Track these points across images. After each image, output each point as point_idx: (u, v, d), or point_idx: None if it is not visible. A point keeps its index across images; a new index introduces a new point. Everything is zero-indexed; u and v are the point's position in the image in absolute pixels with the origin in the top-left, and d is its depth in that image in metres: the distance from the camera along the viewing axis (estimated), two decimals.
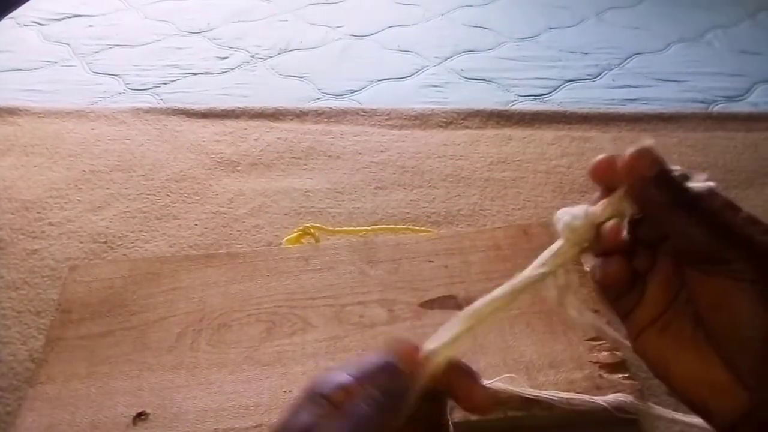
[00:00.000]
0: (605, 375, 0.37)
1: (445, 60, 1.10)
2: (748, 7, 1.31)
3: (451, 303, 0.42)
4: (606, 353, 0.38)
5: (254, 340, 0.41)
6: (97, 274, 0.48)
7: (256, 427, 0.36)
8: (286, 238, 0.63)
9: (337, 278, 0.45)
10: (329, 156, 0.81)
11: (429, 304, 0.42)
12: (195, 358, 0.40)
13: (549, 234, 0.44)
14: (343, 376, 0.27)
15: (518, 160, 0.81)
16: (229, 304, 0.44)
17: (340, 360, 0.38)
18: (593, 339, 0.39)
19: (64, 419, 0.37)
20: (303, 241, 0.63)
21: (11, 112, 0.89)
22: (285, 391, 0.38)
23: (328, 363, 0.38)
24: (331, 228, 0.66)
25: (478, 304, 0.28)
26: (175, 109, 0.90)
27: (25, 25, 1.21)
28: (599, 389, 0.36)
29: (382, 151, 0.82)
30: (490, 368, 0.38)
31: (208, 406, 0.37)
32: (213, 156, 0.81)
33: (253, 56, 1.10)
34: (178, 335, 0.42)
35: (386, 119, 0.89)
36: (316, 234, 0.64)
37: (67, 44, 1.13)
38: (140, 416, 0.37)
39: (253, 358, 0.40)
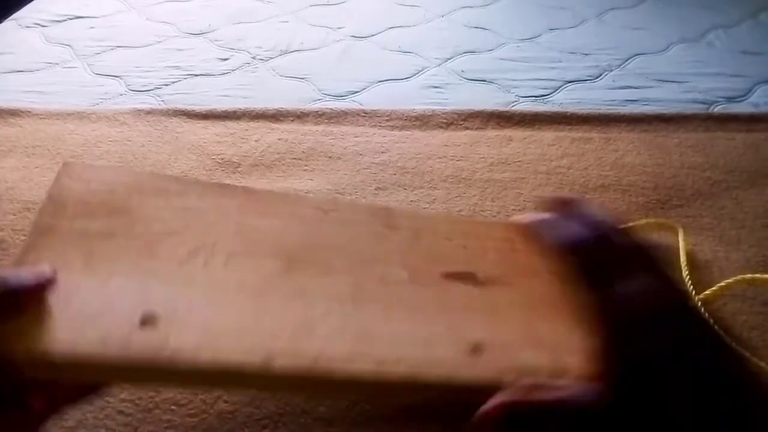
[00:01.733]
0: None
1: (446, 61, 1.10)
2: (750, 7, 1.31)
3: (472, 280, 0.40)
4: None
5: (274, 272, 0.37)
6: (96, 175, 0.40)
7: (276, 355, 0.32)
8: None
9: (357, 234, 0.41)
10: (330, 157, 0.81)
11: (451, 277, 0.40)
12: (209, 276, 0.35)
13: None
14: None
15: (519, 161, 0.81)
16: (245, 234, 0.39)
17: (367, 309, 0.36)
18: None
19: (55, 309, 0.31)
20: None
21: (13, 113, 0.89)
22: (308, 328, 0.34)
23: (352, 307, 0.36)
24: None
25: None
26: (177, 111, 0.90)
27: (26, 27, 1.21)
28: None
29: (382, 152, 0.82)
30: None
31: (225, 326, 0.33)
32: (214, 157, 0.81)
33: (254, 57, 1.10)
34: (189, 252, 0.37)
35: (387, 120, 0.89)
36: None
37: (69, 46, 1.13)
38: (147, 318, 0.32)
39: (274, 287, 0.36)
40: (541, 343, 0.35)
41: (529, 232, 0.43)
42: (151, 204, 0.39)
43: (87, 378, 0.34)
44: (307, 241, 0.40)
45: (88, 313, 0.31)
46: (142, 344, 0.31)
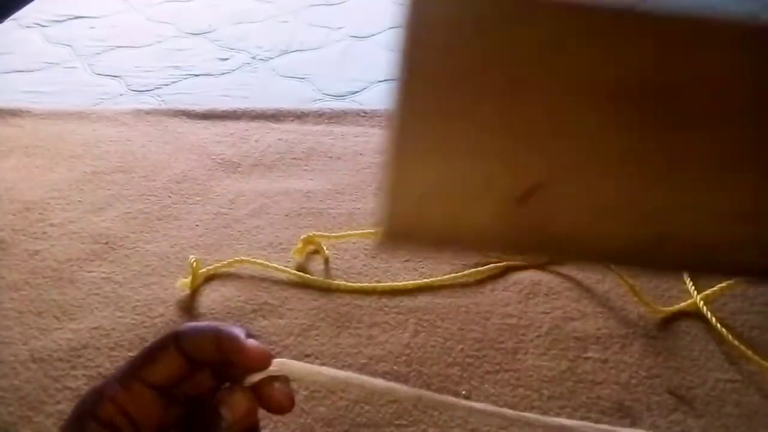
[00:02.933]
0: None
1: None
2: (749, 7, 1.31)
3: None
4: None
5: (633, 130, 0.28)
6: None
7: None
8: (294, 251, 0.64)
9: (719, 65, 0.28)
10: (330, 157, 0.81)
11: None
12: (581, 126, 0.27)
13: None
14: (113, 386, 0.25)
15: None
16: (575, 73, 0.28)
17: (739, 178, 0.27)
18: None
19: (441, 179, 0.27)
20: (307, 250, 0.65)
21: (13, 113, 0.89)
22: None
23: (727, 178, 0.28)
24: (332, 234, 0.66)
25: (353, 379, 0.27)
26: (177, 111, 0.91)
27: (26, 27, 1.21)
28: None
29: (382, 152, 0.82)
30: None
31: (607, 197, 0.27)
32: (214, 157, 0.81)
33: (254, 57, 1.10)
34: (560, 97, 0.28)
35: (387, 120, 0.89)
36: (319, 242, 0.65)
37: (69, 46, 1.13)
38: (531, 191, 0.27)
39: (638, 153, 0.28)
40: None
41: None
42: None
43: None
44: (656, 78, 0.28)
45: (475, 185, 0.26)
46: (529, 220, 0.26)
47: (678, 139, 0.28)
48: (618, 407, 0.51)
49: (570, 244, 0.27)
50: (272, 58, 1.10)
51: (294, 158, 0.81)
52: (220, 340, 0.26)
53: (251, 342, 0.26)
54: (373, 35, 1.20)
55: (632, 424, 0.50)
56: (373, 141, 0.84)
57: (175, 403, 0.26)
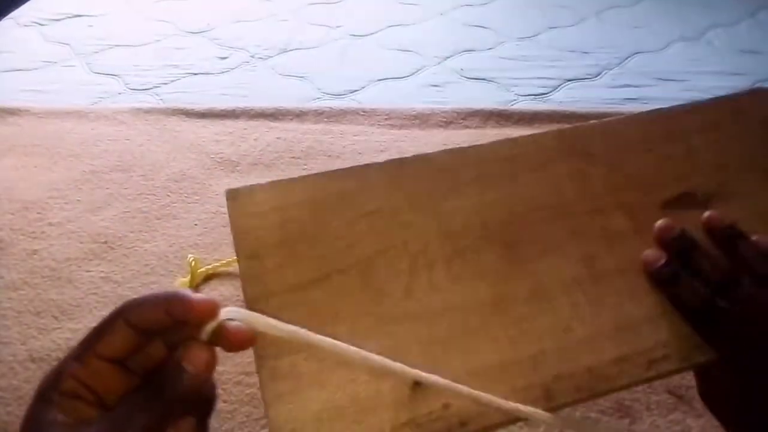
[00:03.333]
0: None
1: (445, 59, 1.10)
2: (749, 6, 1.31)
3: (692, 202, 0.35)
4: None
5: (498, 268, 0.32)
6: (263, 200, 0.35)
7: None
8: (179, 282, 0.62)
9: (555, 183, 0.36)
10: (329, 155, 0.81)
11: (670, 205, 0.35)
12: (441, 299, 0.32)
13: (762, 106, 0.40)
14: (71, 363, 0.27)
15: None
16: (444, 225, 0.34)
17: (606, 287, 0.32)
18: None
19: (326, 404, 0.29)
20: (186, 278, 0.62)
21: (11, 112, 0.89)
22: (565, 334, 0.30)
23: (595, 292, 0.32)
24: (208, 266, 0.64)
25: (314, 339, 0.28)
26: (175, 109, 0.90)
27: (25, 26, 1.21)
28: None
29: (382, 151, 0.82)
30: None
31: (486, 362, 0.30)
32: (213, 156, 0.81)
33: (252, 56, 1.10)
34: (408, 275, 0.32)
35: (386, 119, 0.89)
36: (197, 269, 0.62)
37: (67, 44, 1.13)
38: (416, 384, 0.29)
39: (508, 291, 0.32)
40: None
41: (738, 105, 0.39)
42: (335, 223, 0.33)
43: None
44: (507, 213, 0.35)
45: (363, 398, 0.29)
46: (428, 419, 0.28)
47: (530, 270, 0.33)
48: (618, 407, 0.51)
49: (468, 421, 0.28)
50: (271, 57, 1.10)
51: (293, 157, 0.81)
52: (168, 302, 0.27)
53: (196, 295, 0.27)
54: (372, 34, 1.20)
55: (632, 424, 0.50)
56: (372, 140, 0.84)
57: (133, 374, 0.27)
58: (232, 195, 0.34)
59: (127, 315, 0.27)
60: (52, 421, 0.25)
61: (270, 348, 0.29)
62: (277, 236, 0.33)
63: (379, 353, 0.29)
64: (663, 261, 0.32)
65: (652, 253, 0.32)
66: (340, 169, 0.36)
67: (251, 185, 0.35)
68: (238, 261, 0.32)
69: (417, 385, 0.29)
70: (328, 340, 0.28)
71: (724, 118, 0.39)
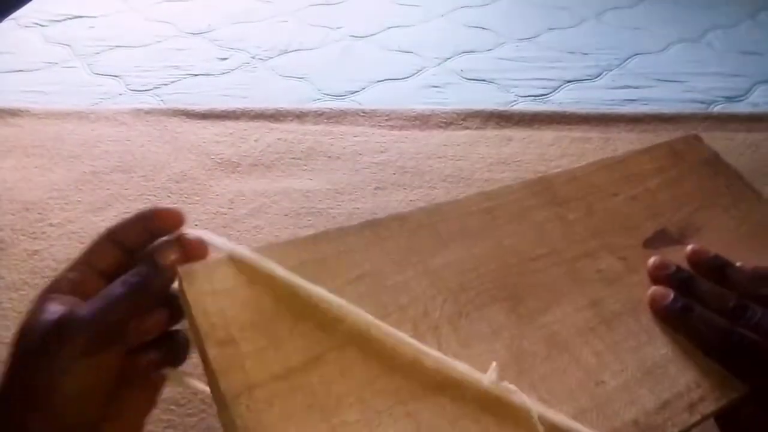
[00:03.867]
0: None
1: (445, 60, 1.10)
2: (749, 7, 1.31)
3: (668, 239, 0.37)
4: None
5: (506, 326, 0.31)
6: (221, 284, 0.29)
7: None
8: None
9: (539, 228, 0.36)
10: (329, 157, 0.81)
11: (650, 243, 0.36)
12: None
13: (694, 149, 0.44)
14: (65, 272, 0.31)
15: (518, 161, 0.81)
16: (438, 286, 0.32)
17: (621, 332, 0.32)
18: None
19: None
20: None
21: (12, 113, 0.89)
22: (597, 384, 0.29)
23: (612, 338, 0.31)
24: None
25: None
26: (176, 110, 0.90)
27: (26, 27, 1.21)
28: None
29: (381, 152, 0.82)
30: None
31: None
32: (213, 157, 0.81)
33: (253, 57, 1.10)
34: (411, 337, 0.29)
35: (386, 120, 0.89)
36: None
37: (68, 45, 1.13)
38: None
39: (525, 355, 0.30)
40: None
41: (673, 150, 0.42)
42: (319, 292, 0.29)
43: None
44: (503, 263, 0.34)
45: None
46: None
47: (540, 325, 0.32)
48: None
49: None
50: (271, 58, 1.10)
51: (293, 158, 0.81)
52: (144, 217, 0.31)
53: (165, 206, 0.32)
54: (372, 35, 1.20)
55: None
56: (372, 141, 0.84)
57: None
58: (187, 274, 0.29)
59: (111, 234, 0.32)
60: (50, 308, 0.29)
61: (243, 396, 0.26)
62: (249, 316, 0.28)
63: None
64: (672, 297, 0.32)
65: (659, 290, 0.32)
66: (310, 236, 0.32)
67: (207, 263, 0.30)
68: (206, 351, 0.27)
69: None
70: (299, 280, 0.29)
71: (665, 162, 0.42)
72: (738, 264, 0.33)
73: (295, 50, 1.14)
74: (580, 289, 0.33)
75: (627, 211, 0.38)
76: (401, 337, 0.28)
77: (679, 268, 0.33)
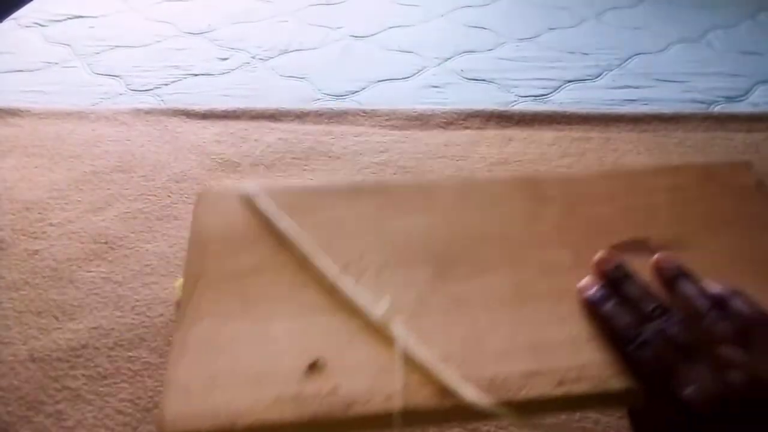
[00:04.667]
0: None
1: (446, 60, 1.10)
2: (749, 7, 1.31)
3: (643, 248, 0.36)
4: None
5: (427, 282, 0.34)
6: (230, 203, 0.38)
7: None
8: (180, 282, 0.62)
9: (505, 216, 0.38)
10: (330, 156, 0.81)
11: (619, 248, 0.36)
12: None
13: (736, 175, 0.41)
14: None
15: (519, 161, 0.81)
16: (388, 239, 0.37)
17: (531, 308, 0.33)
18: None
19: (224, 368, 0.30)
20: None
21: (12, 113, 0.89)
22: (477, 345, 0.31)
23: (519, 312, 0.33)
24: None
25: None
26: (176, 110, 0.90)
27: (26, 27, 1.21)
28: None
29: (382, 152, 0.82)
30: None
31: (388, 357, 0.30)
32: (214, 157, 0.81)
33: (253, 57, 1.10)
34: (339, 272, 0.35)
35: (386, 120, 0.89)
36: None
37: (68, 45, 1.13)
38: (314, 365, 0.30)
39: (431, 302, 0.33)
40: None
41: (708, 171, 0.40)
42: (288, 225, 0.37)
43: None
44: (452, 236, 0.37)
45: (258, 370, 0.30)
46: (315, 397, 0.29)
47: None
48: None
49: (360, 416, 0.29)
50: (272, 58, 1.10)
51: (294, 158, 0.81)
52: None
53: None
54: (372, 35, 1.20)
55: None
56: (372, 141, 0.84)
57: None
58: (202, 195, 0.39)
59: None
60: None
61: (193, 312, 0.33)
62: (228, 233, 0.37)
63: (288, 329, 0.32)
64: (595, 288, 0.33)
65: (586, 280, 0.33)
66: (310, 185, 0.42)
67: (220, 191, 0.40)
68: (188, 250, 0.37)
69: (313, 366, 0.30)
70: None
71: (692, 181, 0.41)
72: (704, 281, 0.32)
73: (296, 50, 1.14)
74: (512, 270, 0.35)
75: (612, 219, 0.38)
76: (328, 266, 0.35)
77: (618, 267, 0.33)
